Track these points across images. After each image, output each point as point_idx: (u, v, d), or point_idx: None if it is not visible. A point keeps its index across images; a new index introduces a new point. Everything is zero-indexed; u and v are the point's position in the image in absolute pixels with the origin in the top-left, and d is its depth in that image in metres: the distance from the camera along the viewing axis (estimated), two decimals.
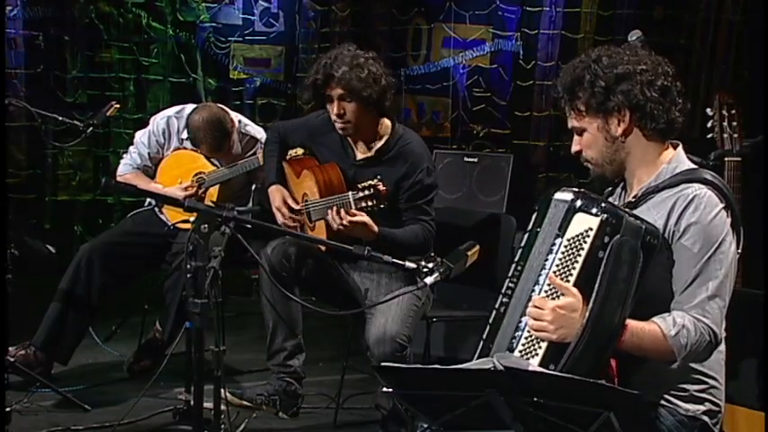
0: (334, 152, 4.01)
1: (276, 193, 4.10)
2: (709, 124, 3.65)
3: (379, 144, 3.95)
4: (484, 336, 2.56)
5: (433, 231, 3.89)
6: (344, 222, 3.63)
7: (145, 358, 4.65)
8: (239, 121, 4.78)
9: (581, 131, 2.62)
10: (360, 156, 3.98)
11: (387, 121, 3.99)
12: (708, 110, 3.66)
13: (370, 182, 3.62)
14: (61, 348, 4.48)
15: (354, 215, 3.63)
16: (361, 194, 3.60)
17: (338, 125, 3.90)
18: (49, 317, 4.46)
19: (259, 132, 4.81)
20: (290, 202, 4.05)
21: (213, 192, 4.63)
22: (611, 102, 2.54)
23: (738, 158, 3.58)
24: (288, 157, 4.16)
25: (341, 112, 3.85)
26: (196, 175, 4.64)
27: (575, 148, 2.64)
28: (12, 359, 4.24)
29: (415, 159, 3.90)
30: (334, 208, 3.65)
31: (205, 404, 3.11)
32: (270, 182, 4.15)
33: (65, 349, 4.49)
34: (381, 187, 3.60)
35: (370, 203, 3.60)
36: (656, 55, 2.61)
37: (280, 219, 4.04)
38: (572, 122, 2.63)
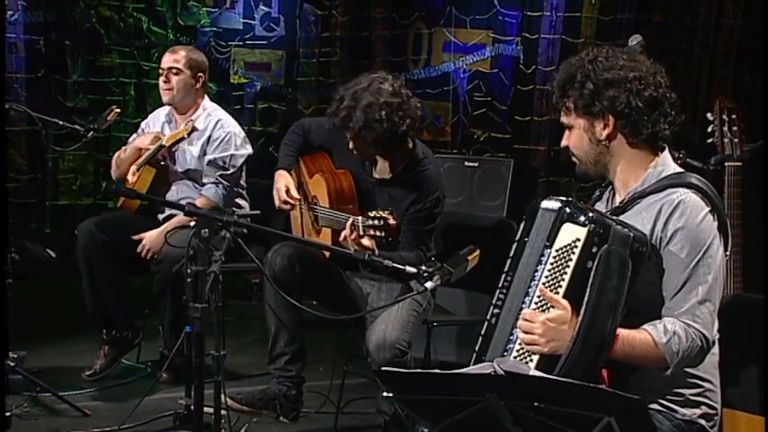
0: (352, 164, 4.00)
1: (281, 178, 4.08)
2: (709, 129, 3.65)
3: (399, 167, 3.93)
4: (477, 347, 2.56)
5: (423, 262, 3.84)
6: (351, 244, 3.61)
7: (167, 371, 4.55)
8: (219, 120, 4.74)
9: (569, 127, 2.63)
10: (377, 175, 3.97)
11: (408, 143, 3.95)
12: (708, 114, 3.66)
13: (382, 213, 3.55)
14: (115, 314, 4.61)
15: (362, 238, 3.59)
16: (370, 223, 3.54)
17: (355, 152, 3.90)
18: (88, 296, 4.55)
19: (230, 128, 4.73)
20: (292, 190, 4.04)
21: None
22: (595, 106, 2.54)
23: (739, 163, 3.57)
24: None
25: (355, 149, 3.86)
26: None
27: (563, 142, 2.65)
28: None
29: (427, 186, 3.88)
30: (354, 228, 3.60)
31: (205, 408, 3.11)
32: (280, 165, 4.14)
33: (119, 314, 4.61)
34: (392, 221, 3.54)
35: (378, 234, 3.54)
36: (656, 62, 2.61)
37: (277, 202, 4.03)
38: (562, 118, 2.64)
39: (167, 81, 4.68)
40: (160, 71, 4.73)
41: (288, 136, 4.25)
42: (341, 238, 3.64)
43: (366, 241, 3.58)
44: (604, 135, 2.57)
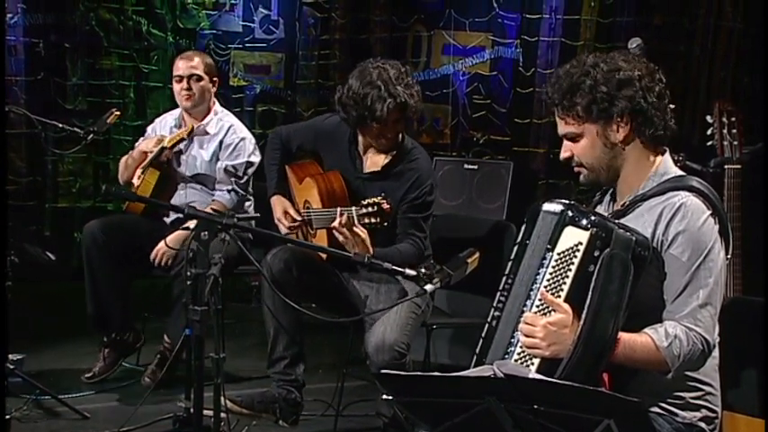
0: (341, 162, 3.99)
1: (277, 204, 4.10)
2: (709, 131, 3.65)
3: (388, 159, 3.94)
4: (477, 350, 2.56)
5: (423, 249, 3.87)
6: (346, 232, 3.61)
7: (160, 372, 4.55)
8: (232, 126, 4.76)
9: (574, 137, 2.59)
10: (367, 169, 3.97)
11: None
12: (708, 117, 3.66)
13: (375, 199, 3.57)
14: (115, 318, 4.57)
15: (359, 228, 3.61)
16: (364, 210, 3.55)
17: (383, 144, 3.89)
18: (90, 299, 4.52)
19: (243, 134, 4.76)
20: (291, 212, 4.05)
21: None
22: (614, 107, 2.52)
23: (738, 165, 3.57)
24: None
25: (392, 134, 3.85)
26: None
27: (565, 154, 2.60)
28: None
29: (420, 176, 3.89)
30: (345, 214, 3.61)
31: (205, 411, 3.10)
32: (271, 192, 4.15)
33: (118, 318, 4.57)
34: (386, 206, 3.55)
35: (373, 221, 3.55)
36: (654, 62, 2.62)
37: (283, 230, 4.04)
38: (567, 128, 2.59)
39: (189, 88, 4.69)
40: (177, 77, 4.72)
41: (269, 153, 4.23)
42: (335, 222, 3.62)
43: (358, 230, 3.58)
44: (621, 136, 2.55)
